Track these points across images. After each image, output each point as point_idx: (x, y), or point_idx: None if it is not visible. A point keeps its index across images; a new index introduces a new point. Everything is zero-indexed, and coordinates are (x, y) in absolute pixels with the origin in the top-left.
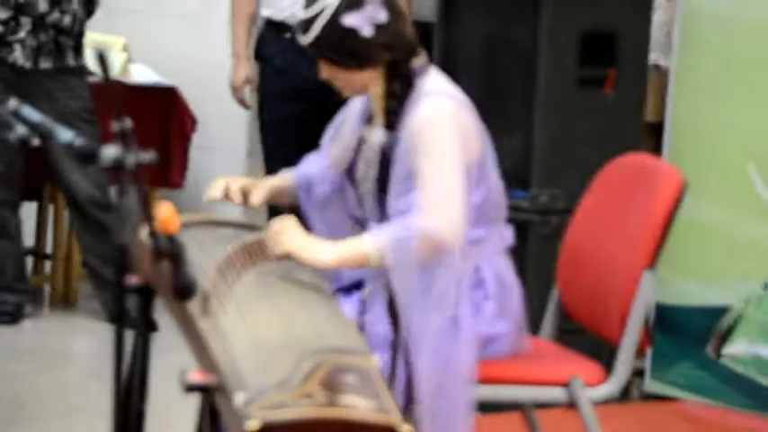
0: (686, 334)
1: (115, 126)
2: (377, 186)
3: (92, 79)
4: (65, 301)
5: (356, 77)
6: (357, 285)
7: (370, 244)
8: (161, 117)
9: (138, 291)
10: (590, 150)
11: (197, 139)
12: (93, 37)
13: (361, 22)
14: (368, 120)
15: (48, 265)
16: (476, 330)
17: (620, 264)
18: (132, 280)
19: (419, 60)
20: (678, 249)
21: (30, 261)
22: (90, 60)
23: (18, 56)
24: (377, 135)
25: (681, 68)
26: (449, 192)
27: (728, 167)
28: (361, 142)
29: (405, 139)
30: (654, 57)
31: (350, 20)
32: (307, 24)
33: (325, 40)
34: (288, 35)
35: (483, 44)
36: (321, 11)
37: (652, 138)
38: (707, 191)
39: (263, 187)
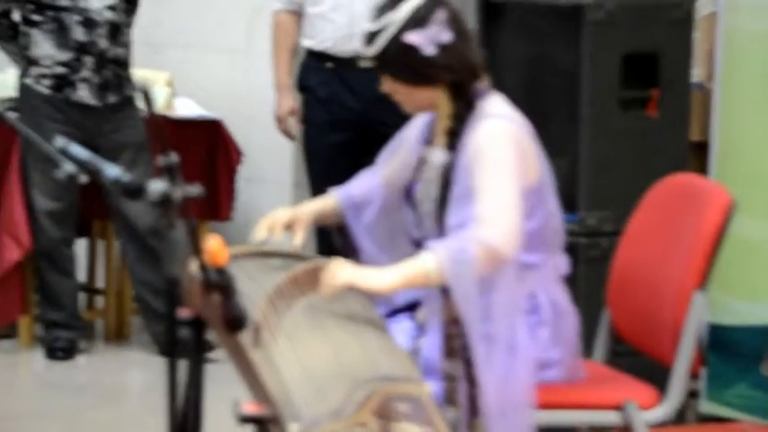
0: (740, 354)
1: (161, 161)
2: (437, 206)
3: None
4: (118, 336)
5: (416, 94)
6: (410, 307)
7: (429, 260)
8: (207, 150)
9: (190, 323)
10: (636, 171)
11: (243, 171)
12: (138, 72)
13: (424, 40)
14: (428, 140)
15: (100, 300)
16: (531, 355)
17: (671, 285)
18: (184, 313)
19: (482, 83)
20: (728, 268)
21: (82, 297)
22: (134, 95)
23: (84, 94)
24: (437, 155)
25: (724, 87)
26: (505, 205)
27: None
28: (421, 162)
29: (464, 159)
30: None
31: (413, 38)
32: (371, 37)
33: (387, 55)
34: (330, 65)
35: (525, 67)
36: (386, 26)
37: (698, 157)
38: (755, 209)
39: (306, 218)
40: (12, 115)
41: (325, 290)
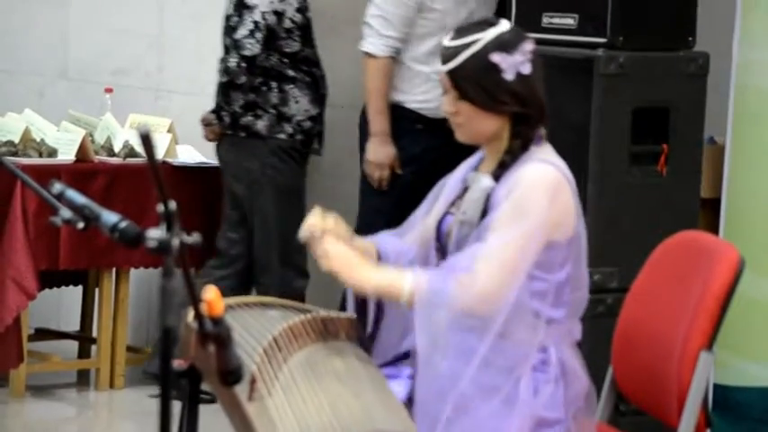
0: (746, 416)
1: (160, 208)
2: (477, 230)
3: (137, 161)
4: (111, 385)
5: (480, 119)
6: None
7: (408, 281)
8: (206, 198)
9: (185, 374)
10: (645, 228)
11: None
12: (139, 118)
13: (507, 64)
14: (475, 168)
15: (93, 348)
16: (530, 411)
17: (678, 344)
18: (179, 363)
19: (542, 130)
20: (737, 328)
21: (75, 345)
22: (135, 141)
23: (317, 147)
24: (485, 180)
25: (736, 144)
26: (510, 263)
27: None
28: (458, 197)
29: (501, 191)
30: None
31: (497, 58)
32: (453, 52)
33: (466, 69)
34: (420, 126)
35: None
36: (472, 42)
37: (708, 214)
38: (764, 269)
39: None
40: (11, 160)
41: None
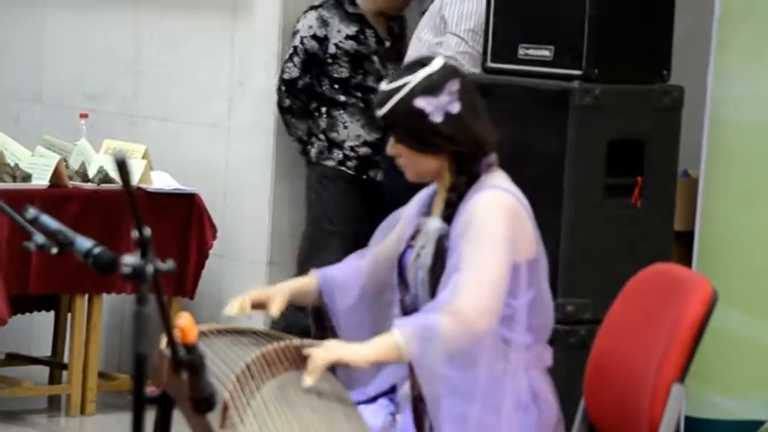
0: None
1: (135, 234)
2: (430, 276)
3: (111, 186)
4: (81, 411)
5: (419, 161)
6: (384, 393)
7: (397, 334)
8: (181, 225)
9: (157, 401)
10: (618, 259)
11: (219, 247)
12: (114, 144)
13: (433, 107)
14: (427, 213)
15: (64, 374)
16: None
17: (649, 376)
18: (151, 390)
19: (489, 159)
20: (709, 361)
21: (46, 370)
22: (110, 167)
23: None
24: (433, 223)
25: (710, 177)
26: (487, 278)
27: (759, 277)
28: (416, 232)
29: (458, 228)
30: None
31: (422, 103)
32: (384, 98)
33: (395, 116)
34: None
35: (509, 151)
36: (400, 87)
37: (682, 247)
38: (738, 301)
39: (284, 293)
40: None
41: (311, 371)
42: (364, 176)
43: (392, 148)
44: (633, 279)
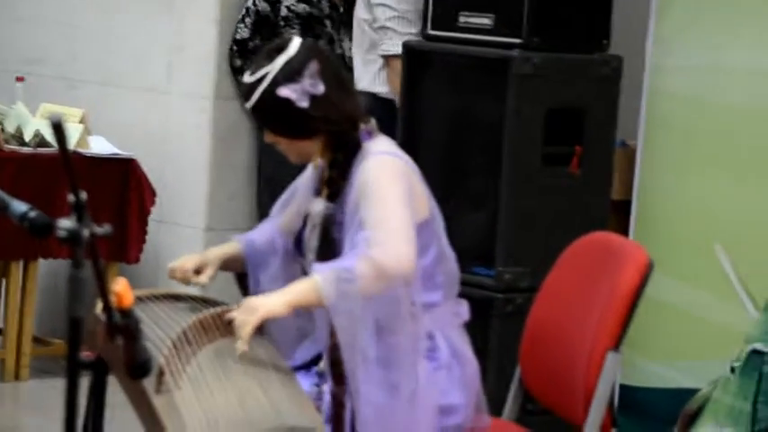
0: (652, 417)
1: (71, 198)
2: (318, 258)
3: (48, 150)
4: (16, 377)
5: (297, 146)
6: (313, 362)
7: (315, 276)
8: (119, 189)
9: (92, 366)
10: (556, 228)
11: (157, 213)
12: (51, 107)
13: (297, 94)
14: (317, 191)
15: None
16: (429, 400)
17: (585, 344)
18: (86, 355)
19: (367, 127)
20: (645, 330)
21: None
22: (46, 131)
23: None
24: (318, 206)
25: (648, 147)
26: (396, 227)
27: (695, 247)
28: (307, 214)
29: (350, 202)
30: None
31: (285, 91)
32: (249, 90)
33: (263, 108)
34: None
35: (448, 118)
36: (261, 78)
37: (619, 216)
38: (674, 270)
39: (214, 262)
40: None
41: (241, 340)
42: None
43: (268, 137)
44: (570, 248)
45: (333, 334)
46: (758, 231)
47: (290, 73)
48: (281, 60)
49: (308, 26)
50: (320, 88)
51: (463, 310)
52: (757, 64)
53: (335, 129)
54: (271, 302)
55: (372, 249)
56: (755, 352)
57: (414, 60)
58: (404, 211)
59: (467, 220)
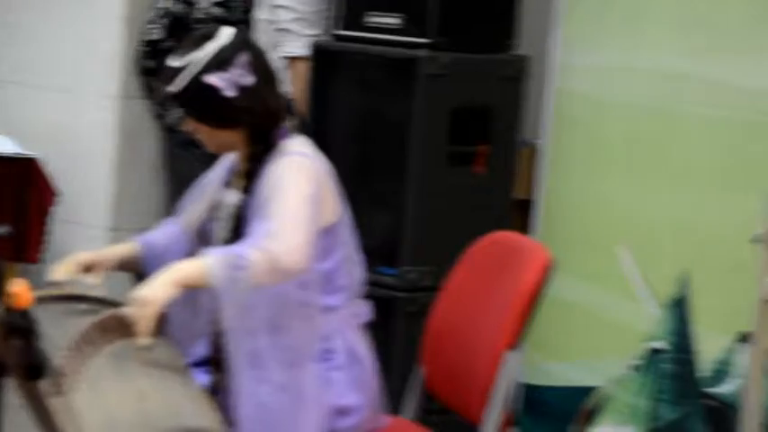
0: (553, 415)
1: None
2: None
3: None
4: None
5: (217, 135)
6: (206, 361)
7: (206, 258)
8: (19, 189)
9: None
10: (460, 227)
11: (63, 212)
12: None
13: (225, 83)
14: (228, 183)
15: None
16: (323, 401)
17: (485, 343)
18: None
19: (287, 126)
20: (546, 329)
21: None
22: None
23: None
24: (231, 196)
25: (553, 147)
26: (295, 221)
27: (599, 246)
28: (216, 204)
29: (260, 197)
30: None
31: (213, 79)
32: (173, 74)
33: (187, 94)
34: None
35: (355, 117)
36: (188, 64)
37: (522, 215)
38: (576, 270)
39: (108, 262)
40: None
41: (142, 335)
42: None
43: (189, 125)
44: (472, 247)
45: (216, 321)
46: (661, 231)
47: (220, 61)
48: (210, 48)
49: None
50: (249, 79)
51: (364, 311)
52: (662, 65)
53: (258, 122)
54: (159, 289)
55: (268, 241)
56: (656, 350)
57: (322, 60)
58: (307, 211)
59: (372, 219)
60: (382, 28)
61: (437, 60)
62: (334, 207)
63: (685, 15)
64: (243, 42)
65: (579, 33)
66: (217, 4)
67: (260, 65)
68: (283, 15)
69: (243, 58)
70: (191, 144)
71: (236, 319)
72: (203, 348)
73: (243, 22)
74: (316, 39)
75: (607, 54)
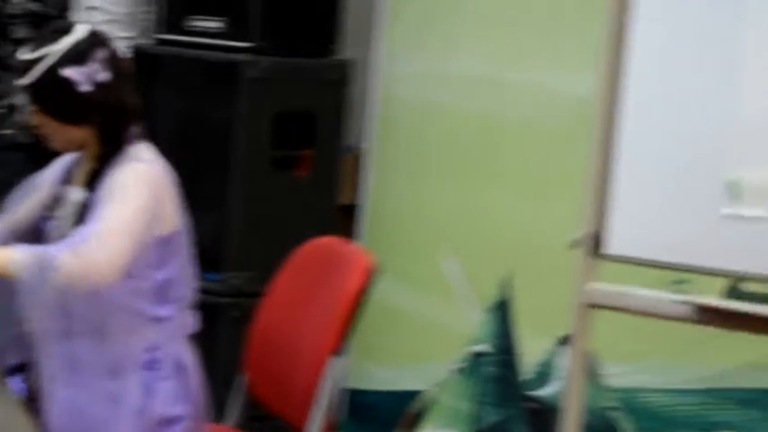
0: (378, 419)
1: None
2: None
3: None
4: None
5: (66, 131)
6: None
7: (15, 249)
8: None
9: None
10: (284, 232)
11: None
12: None
13: (81, 77)
14: (67, 180)
15: None
16: (147, 411)
17: (308, 349)
18: None
19: (135, 130)
20: (372, 333)
21: None
22: None
23: None
24: (75, 193)
25: (378, 152)
26: (120, 231)
27: (421, 251)
28: (56, 201)
29: (98, 200)
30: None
31: (69, 72)
32: (27, 67)
33: (40, 87)
34: None
35: (178, 121)
36: (44, 56)
37: (347, 221)
38: (401, 274)
39: None
40: None
41: None
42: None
43: (37, 119)
44: (296, 252)
45: (24, 322)
46: (483, 235)
47: (77, 55)
48: (67, 41)
49: (38, 25)
50: (105, 76)
51: (191, 321)
52: (479, 72)
53: (110, 120)
54: None
55: (87, 246)
56: (478, 354)
57: (143, 64)
58: (137, 221)
59: (196, 223)
60: (204, 32)
61: (259, 64)
62: (172, 217)
63: (501, 23)
64: (99, 38)
65: (402, 39)
66: (33, 0)
67: (116, 62)
68: (96, 17)
69: (100, 53)
70: (11, 148)
71: (49, 321)
72: (18, 354)
73: (60, 18)
74: (131, 41)
75: (428, 60)
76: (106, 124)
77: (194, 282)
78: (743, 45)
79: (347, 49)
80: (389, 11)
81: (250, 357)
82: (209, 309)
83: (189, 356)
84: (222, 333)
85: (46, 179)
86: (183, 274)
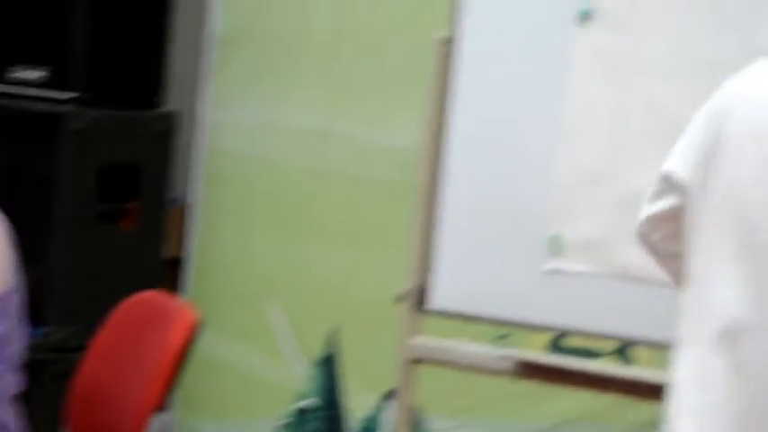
0: None
1: None
2: None
3: None
4: None
5: None
6: None
7: None
8: None
9: None
10: (109, 286)
11: None
12: None
13: None
14: None
15: None
16: None
17: (131, 405)
18: None
19: None
20: (198, 387)
21: None
22: None
23: None
24: None
25: (204, 204)
26: None
27: (248, 305)
28: None
29: None
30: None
31: None
32: None
33: None
34: None
35: (1, 176)
36: None
37: (173, 274)
38: (227, 328)
39: None
40: None
41: None
42: None
43: None
44: (120, 306)
45: None
46: (310, 288)
47: None
48: None
49: None
50: None
51: (15, 381)
52: (305, 124)
53: None
54: None
55: None
56: (303, 410)
57: None
58: None
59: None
60: (26, 82)
61: (83, 116)
62: (7, 276)
63: (328, 75)
64: None
65: (228, 91)
66: None
67: None
68: None
69: None
70: None
71: None
72: None
73: None
74: None
75: (254, 112)
76: None
77: (24, 346)
78: (568, 103)
79: (173, 100)
80: (216, 60)
81: (72, 414)
82: (33, 365)
83: (13, 418)
84: (44, 390)
85: None
86: (12, 333)
